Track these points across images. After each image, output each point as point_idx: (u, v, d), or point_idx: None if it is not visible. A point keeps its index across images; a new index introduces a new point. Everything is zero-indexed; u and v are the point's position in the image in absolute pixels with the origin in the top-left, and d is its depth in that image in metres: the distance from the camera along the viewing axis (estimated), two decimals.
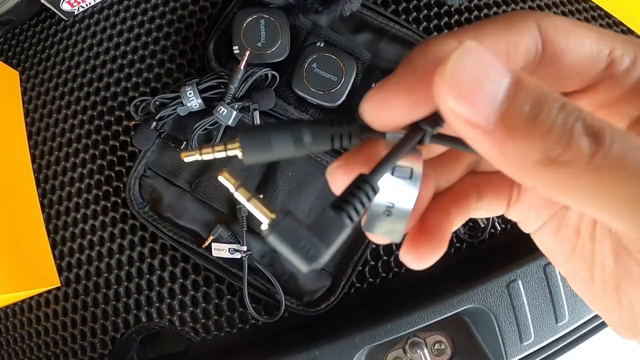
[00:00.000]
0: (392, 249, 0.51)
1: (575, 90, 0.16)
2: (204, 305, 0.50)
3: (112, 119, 0.53)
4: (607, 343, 0.47)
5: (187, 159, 0.18)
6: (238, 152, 0.18)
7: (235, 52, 0.49)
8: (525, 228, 0.20)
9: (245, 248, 0.47)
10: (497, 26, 0.15)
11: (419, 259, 0.18)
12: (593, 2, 0.60)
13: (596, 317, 0.44)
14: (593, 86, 0.16)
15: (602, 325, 0.44)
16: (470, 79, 0.13)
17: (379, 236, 0.19)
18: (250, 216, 0.48)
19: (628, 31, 0.60)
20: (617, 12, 0.60)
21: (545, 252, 0.20)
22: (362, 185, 0.16)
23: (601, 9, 0.60)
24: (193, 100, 0.48)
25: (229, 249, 0.47)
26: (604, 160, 0.13)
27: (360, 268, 0.49)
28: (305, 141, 0.17)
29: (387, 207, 0.18)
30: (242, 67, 0.47)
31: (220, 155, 0.18)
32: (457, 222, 0.19)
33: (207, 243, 0.48)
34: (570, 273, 0.19)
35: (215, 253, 0.48)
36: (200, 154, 0.18)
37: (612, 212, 0.13)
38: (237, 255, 0.47)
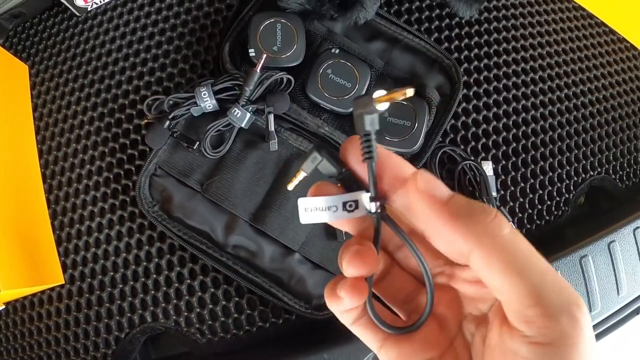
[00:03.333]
0: None
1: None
2: (211, 306, 0.50)
3: (123, 116, 0.53)
4: None
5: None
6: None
7: (251, 54, 0.50)
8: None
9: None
10: None
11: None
12: (576, 3, 0.61)
13: None
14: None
15: None
16: (430, 182, 0.22)
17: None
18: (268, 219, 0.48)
19: (610, 32, 0.61)
20: (600, 13, 0.61)
21: None
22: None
23: (584, 9, 0.61)
24: (207, 101, 0.48)
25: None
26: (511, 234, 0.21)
27: None
28: None
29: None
30: (258, 70, 0.47)
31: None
32: None
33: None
34: None
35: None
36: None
37: (499, 272, 0.20)
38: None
